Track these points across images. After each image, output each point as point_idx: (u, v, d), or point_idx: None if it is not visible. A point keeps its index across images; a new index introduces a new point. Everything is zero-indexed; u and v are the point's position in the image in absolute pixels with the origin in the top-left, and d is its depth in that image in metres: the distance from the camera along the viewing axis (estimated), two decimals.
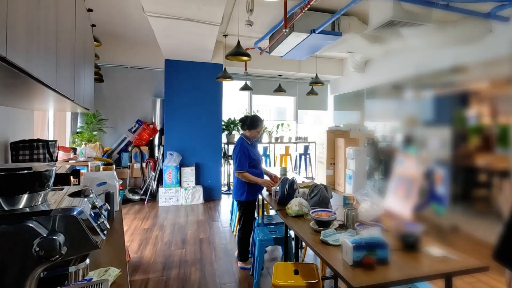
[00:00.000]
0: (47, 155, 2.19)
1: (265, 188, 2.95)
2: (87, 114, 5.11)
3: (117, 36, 5.13)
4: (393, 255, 1.43)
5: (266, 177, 2.99)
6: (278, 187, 2.51)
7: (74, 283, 0.78)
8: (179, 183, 5.25)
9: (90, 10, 3.31)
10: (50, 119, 4.07)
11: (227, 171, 6.44)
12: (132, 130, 5.74)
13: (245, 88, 5.56)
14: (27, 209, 0.70)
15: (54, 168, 0.79)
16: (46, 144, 2.20)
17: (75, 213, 0.71)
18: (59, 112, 4.31)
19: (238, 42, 3.23)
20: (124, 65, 5.64)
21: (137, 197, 5.32)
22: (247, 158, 2.80)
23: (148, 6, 3.07)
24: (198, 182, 5.45)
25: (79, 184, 2.20)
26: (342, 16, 3.77)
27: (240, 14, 3.75)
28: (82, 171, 2.45)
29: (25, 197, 0.71)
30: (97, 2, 3.70)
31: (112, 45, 5.26)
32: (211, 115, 5.60)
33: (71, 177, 2.09)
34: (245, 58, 3.28)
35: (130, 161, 5.48)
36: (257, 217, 3.08)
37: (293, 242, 2.70)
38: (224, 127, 6.09)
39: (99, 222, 0.78)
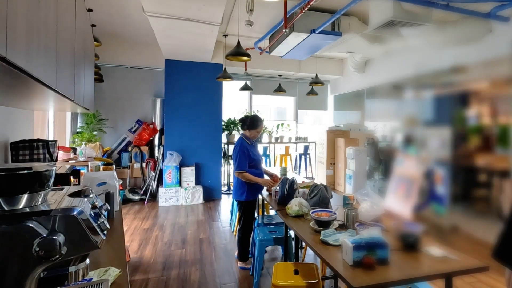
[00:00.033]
0: (47, 155, 2.19)
1: (265, 188, 2.95)
2: (87, 114, 5.11)
3: (117, 36, 5.13)
4: (393, 255, 1.43)
5: (266, 177, 2.99)
6: (278, 187, 2.51)
7: (74, 283, 0.78)
8: (179, 183, 5.25)
9: (90, 10, 3.31)
10: (50, 119, 4.07)
11: (227, 171, 6.44)
12: (132, 130, 5.74)
13: (245, 88, 5.56)
14: (27, 209, 0.70)
15: (54, 168, 0.79)
16: (46, 144, 2.20)
17: (75, 213, 0.71)
18: (59, 112, 4.31)
19: (238, 42, 3.23)
20: (124, 65, 5.64)
21: (137, 197, 5.32)
22: (247, 158, 2.80)
23: (148, 6, 3.07)
24: (198, 182, 5.45)
25: (79, 184, 2.20)
26: (342, 16, 3.77)
27: (240, 14, 3.75)
28: (82, 171, 2.45)
29: (25, 197, 0.71)
30: (97, 2, 3.71)
31: (112, 45, 5.26)
32: (211, 115, 5.60)
33: (71, 177, 2.09)
34: (245, 58, 3.28)
35: (130, 161, 5.48)
36: (257, 217, 3.08)
37: (293, 242, 2.70)
38: (224, 127, 6.09)
39: (99, 222, 0.78)
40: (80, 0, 1.76)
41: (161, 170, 5.33)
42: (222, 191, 5.84)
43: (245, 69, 5.60)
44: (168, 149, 5.34)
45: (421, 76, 3.94)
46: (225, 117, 6.01)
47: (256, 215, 3.08)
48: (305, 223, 1.99)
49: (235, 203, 3.41)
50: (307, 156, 6.92)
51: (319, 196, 2.22)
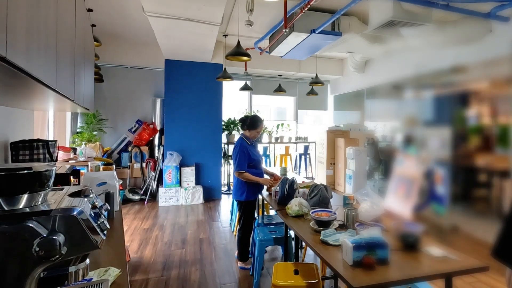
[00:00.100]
0: (47, 155, 2.19)
1: (265, 188, 2.95)
2: (87, 114, 5.11)
3: (117, 36, 5.13)
4: (393, 255, 1.43)
5: (266, 177, 2.99)
6: (278, 187, 2.51)
7: (74, 283, 0.78)
8: (179, 183, 5.25)
9: (90, 10, 3.31)
10: (50, 119, 4.07)
11: (227, 171, 6.44)
12: (132, 130, 5.74)
13: (245, 88, 5.56)
14: (27, 209, 0.70)
15: (54, 168, 0.79)
16: (46, 144, 2.20)
17: (75, 213, 0.71)
18: (59, 112, 4.31)
19: (238, 42, 3.23)
20: (124, 65, 5.65)
21: (137, 197, 5.32)
22: (247, 158, 2.80)
23: (148, 6, 3.07)
24: (198, 182, 5.45)
25: (79, 184, 2.20)
26: (342, 16, 3.77)
27: (240, 14, 3.75)
28: (82, 171, 2.45)
29: (25, 197, 0.71)
30: (97, 2, 3.71)
31: (112, 45, 5.26)
32: (211, 115, 5.60)
33: (71, 177, 2.09)
34: (245, 58, 3.28)
35: (130, 161, 5.48)
36: (257, 217, 3.08)
37: (293, 242, 2.70)
38: (224, 127, 6.09)
39: (99, 222, 0.78)
40: (80, 0, 1.76)
41: (161, 170, 5.33)
42: (222, 191, 5.84)
43: (245, 69, 5.60)
44: (168, 149, 5.34)
45: (421, 76, 3.94)
46: (225, 117, 6.01)
47: (256, 215, 3.08)
48: (305, 223, 1.99)
49: (235, 203, 3.41)
50: (307, 156, 6.92)
51: (319, 196, 2.22)
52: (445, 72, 3.60)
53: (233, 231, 3.85)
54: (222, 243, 3.53)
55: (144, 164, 5.51)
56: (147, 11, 3.17)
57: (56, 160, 2.44)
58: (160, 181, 5.44)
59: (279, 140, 6.78)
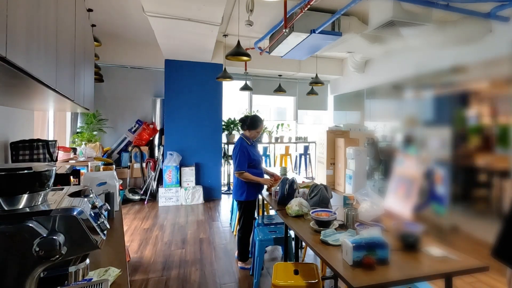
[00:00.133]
0: (47, 155, 2.19)
1: (265, 188, 2.95)
2: (87, 114, 5.11)
3: (117, 36, 5.13)
4: (393, 255, 1.43)
5: (266, 177, 2.99)
6: (278, 187, 2.51)
7: (74, 283, 0.78)
8: (179, 183, 5.25)
9: (90, 10, 3.31)
10: (50, 119, 4.07)
11: (227, 171, 6.44)
12: (132, 130, 5.74)
13: (245, 88, 5.56)
14: (27, 209, 0.70)
15: (54, 168, 0.79)
16: (46, 144, 2.20)
17: (75, 213, 0.71)
18: (59, 112, 4.31)
19: (238, 42, 3.23)
20: (124, 65, 5.65)
21: (137, 197, 5.32)
22: (247, 159, 2.80)
23: (148, 6, 3.07)
24: (198, 182, 5.45)
25: (79, 184, 2.20)
26: (342, 16, 3.77)
27: (240, 14, 3.75)
28: (82, 171, 2.45)
29: (25, 197, 0.71)
30: (97, 2, 3.71)
31: (112, 45, 5.26)
32: (211, 115, 5.60)
33: (71, 177, 2.09)
34: (245, 58, 3.28)
35: (130, 161, 5.48)
36: (257, 217, 3.08)
37: (293, 242, 2.70)
38: (224, 127, 6.09)
39: (99, 222, 0.78)
40: (80, 0, 1.76)
41: (161, 170, 5.33)
42: (222, 191, 5.84)
43: (245, 69, 5.60)
44: (168, 149, 5.34)
45: (421, 76, 3.94)
46: (225, 117, 6.01)
47: (256, 215, 3.08)
48: (305, 223, 1.99)
49: (235, 203, 3.41)
50: (307, 156, 6.92)
51: (319, 196, 2.22)
52: (445, 72, 3.60)
53: (233, 231, 3.85)
54: (222, 243, 3.53)
55: (144, 164, 5.52)
56: (147, 11, 3.17)
57: (56, 160, 2.45)
58: (160, 181, 5.44)
59: (279, 140, 6.78)
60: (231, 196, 5.19)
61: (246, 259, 2.89)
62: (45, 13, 0.98)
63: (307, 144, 7.00)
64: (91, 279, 1.08)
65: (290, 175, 3.19)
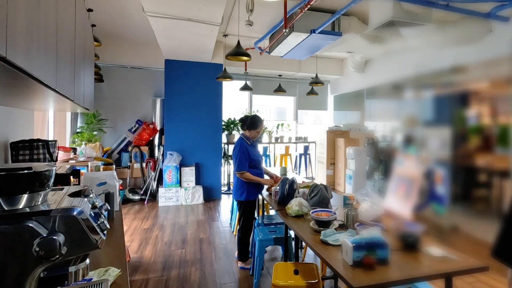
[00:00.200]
0: (47, 155, 2.19)
1: (265, 188, 2.95)
2: (87, 114, 5.11)
3: (117, 36, 5.13)
4: (393, 255, 1.43)
5: (266, 177, 2.99)
6: (278, 187, 2.51)
7: (74, 283, 0.78)
8: (179, 183, 5.25)
9: (90, 10, 3.31)
10: (50, 119, 4.07)
11: (227, 171, 6.44)
12: (132, 130, 5.74)
13: (245, 88, 5.56)
14: (27, 209, 0.70)
15: (54, 168, 0.79)
16: (46, 144, 2.20)
17: (75, 213, 0.71)
18: (59, 112, 4.31)
19: (238, 42, 3.23)
20: (124, 65, 5.65)
21: (137, 197, 5.32)
22: (247, 159, 2.81)
23: (148, 6, 3.07)
24: (198, 182, 5.45)
25: (79, 184, 2.20)
26: (342, 16, 3.77)
27: (240, 14, 3.75)
28: (82, 171, 2.45)
29: (25, 197, 0.71)
30: (97, 2, 3.71)
31: (112, 45, 5.26)
32: (211, 115, 5.60)
33: (71, 177, 2.09)
34: (245, 58, 3.28)
35: (130, 161, 5.48)
36: (257, 217, 3.09)
37: (293, 242, 2.70)
38: (224, 127, 6.09)
39: (99, 222, 0.78)
40: (80, 0, 1.76)
41: (161, 170, 5.33)
42: (222, 191, 5.84)
43: (245, 69, 5.60)
44: (168, 149, 5.34)
45: (421, 76, 3.94)
46: (225, 117, 6.01)
47: (256, 215, 3.08)
48: (305, 223, 1.99)
49: (235, 203, 3.41)
50: (307, 156, 6.92)
51: (319, 196, 2.22)
52: (445, 72, 3.60)
53: (233, 231, 3.85)
54: (222, 243, 3.53)
55: (144, 164, 5.52)
56: (147, 11, 3.17)
57: (56, 160, 2.44)
58: (160, 181, 5.44)
59: (279, 140, 6.78)
60: (231, 196, 5.19)
61: (246, 259, 2.89)
62: (45, 13, 0.98)
63: (307, 144, 7.00)
64: (91, 279, 1.08)
65: (290, 175, 3.19)
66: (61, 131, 4.62)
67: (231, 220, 4.10)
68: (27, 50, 0.80)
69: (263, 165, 3.17)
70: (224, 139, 6.10)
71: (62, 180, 1.95)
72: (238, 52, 3.19)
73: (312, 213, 1.94)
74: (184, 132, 5.44)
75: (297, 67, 6.45)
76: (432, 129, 3.39)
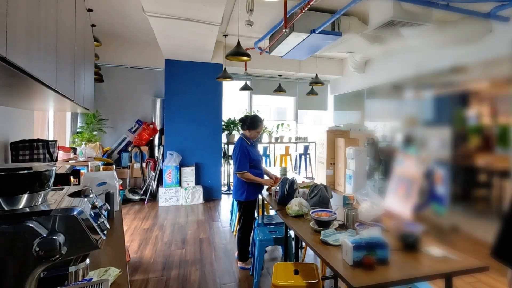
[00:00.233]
0: (47, 155, 2.19)
1: (265, 188, 2.95)
2: (87, 114, 5.11)
3: (117, 36, 5.13)
4: (393, 255, 1.43)
5: (266, 177, 3.00)
6: (278, 187, 2.51)
7: (74, 283, 0.78)
8: (179, 183, 5.25)
9: (90, 10, 3.31)
10: (50, 119, 4.07)
11: (227, 171, 6.44)
12: (132, 130, 5.74)
13: (245, 88, 5.56)
14: (27, 209, 0.70)
15: (54, 168, 0.79)
16: (46, 144, 2.20)
17: (75, 213, 0.71)
18: (59, 112, 4.31)
19: (238, 42, 3.23)
20: (124, 65, 5.65)
21: (137, 197, 5.32)
22: (248, 159, 2.81)
23: (148, 6, 3.07)
24: (198, 182, 5.45)
25: (79, 184, 2.20)
26: (342, 16, 3.77)
27: (240, 14, 3.75)
28: (82, 171, 2.45)
29: (25, 197, 0.71)
30: (97, 2, 3.70)
31: (112, 45, 5.26)
32: (211, 115, 5.60)
33: (71, 177, 2.09)
34: (245, 58, 3.28)
35: (130, 161, 5.48)
36: (257, 217, 3.09)
37: (293, 242, 2.70)
38: (224, 127, 6.09)
39: (99, 222, 0.78)
40: (80, 0, 1.76)
41: (161, 170, 5.33)
42: (222, 191, 5.84)
43: (245, 69, 5.60)
44: (168, 149, 5.34)
45: (421, 76, 3.94)
46: (225, 117, 6.01)
47: (256, 215, 3.08)
48: (305, 223, 1.99)
49: (235, 203, 3.41)
50: (307, 156, 6.92)
51: (319, 196, 2.22)
52: (445, 72, 3.60)
53: (233, 231, 3.85)
54: (222, 243, 3.53)
55: (144, 164, 5.51)
56: (147, 11, 3.17)
57: (56, 160, 2.44)
58: (160, 181, 5.44)
59: (279, 140, 6.78)
60: (231, 196, 5.19)
61: (246, 259, 2.89)
62: (45, 13, 0.98)
63: (307, 144, 7.00)
64: (91, 279, 1.08)
65: (290, 175, 3.19)
66: (61, 131, 4.62)
67: (231, 220, 4.10)
68: (27, 50, 0.80)
69: (263, 165, 3.17)
70: (224, 139, 6.10)
71: (62, 180, 1.95)
72: (238, 52, 3.19)
73: (312, 213, 1.94)
74: (184, 132, 5.43)
75: (297, 67, 6.45)
76: (432, 129, 3.38)
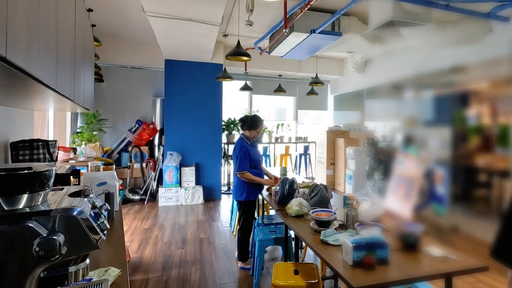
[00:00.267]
0: (47, 155, 2.19)
1: (265, 188, 2.95)
2: (87, 114, 5.11)
3: (117, 36, 5.13)
4: (393, 255, 1.43)
5: (266, 177, 3.00)
6: (278, 187, 2.51)
7: (74, 283, 0.78)
8: (179, 183, 5.25)
9: (90, 10, 3.31)
10: (50, 119, 4.07)
11: (227, 171, 6.44)
12: (132, 130, 5.74)
13: (245, 88, 5.56)
14: (27, 209, 0.70)
15: (54, 168, 0.79)
16: (46, 144, 2.20)
17: (75, 213, 0.71)
18: (59, 112, 4.31)
19: (238, 42, 3.23)
20: (124, 65, 5.65)
21: (137, 197, 5.32)
22: (248, 159, 2.81)
23: (148, 6, 3.07)
24: (198, 182, 5.45)
25: (79, 184, 2.20)
26: (342, 16, 3.77)
27: (240, 14, 3.75)
28: (82, 171, 2.45)
29: (25, 197, 0.71)
30: (97, 2, 3.70)
31: (112, 45, 5.26)
32: (211, 115, 5.60)
33: (71, 177, 2.09)
34: (245, 58, 3.28)
35: (130, 161, 5.48)
36: (257, 217, 3.09)
37: (293, 242, 2.70)
38: (224, 127, 6.09)
39: (99, 222, 0.78)
40: (80, 0, 1.76)
41: (161, 170, 5.33)
42: (222, 191, 5.84)
43: (245, 69, 5.60)
44: (168, 149, 5.34)
45: (421, 76, 3.94)
46: (225, 117, 6.01)
47: (256, 215, 3.08)
48: (305, 223, 1.99)
49: (235, 203, 3.41)
50: (307, 156, 6.92)
51: (319, 196, 2.22)
52: (445, 72, 3.60)
53: (233, 231, 3.85)
54: (222, 243, 3.53)
55: (144, 164, 5.52)
56: (147, 11, 3.17)
57: (56, 160, 2.45)
58: (160, 181, 5.44)
59: (279, 140, 6.78)
60: (231, 196, 5.19)
61: (246, 259, 2.89)
62: (45, 13, 0.98)
63: (307, 144, 7.00)
64: (91, 279, 1.08)
65: (290, 175, 3.19)
66: (61, 131, 4.63)
67: (231, 220, 4.10)
68: (27, 50, 0.80)
69: (263, 165, 3.17)
70: (224, 139, 6.10)
71: (62, 180, 1.95)
72: (238, 52, 3.19)
73: (312, 213, 1.94)
74: (184, 132, 5.44)
75: (297, 67, 6.45)
76: (432, 129, 3.39)
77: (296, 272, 1.83)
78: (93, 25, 3.47)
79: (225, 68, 4.65)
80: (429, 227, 1.88)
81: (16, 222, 0.66)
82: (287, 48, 4.38)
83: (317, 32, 3.73)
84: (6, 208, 0.69)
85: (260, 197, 3.05)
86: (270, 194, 2.81)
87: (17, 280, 0.66)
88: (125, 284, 1.11)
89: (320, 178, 6.66)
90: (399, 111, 4.06)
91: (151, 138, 5.70)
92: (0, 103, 1.75)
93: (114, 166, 3.55)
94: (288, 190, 2.40)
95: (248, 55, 3.28)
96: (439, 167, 3.32)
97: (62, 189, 0.91)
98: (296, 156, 6.95)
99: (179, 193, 5.21)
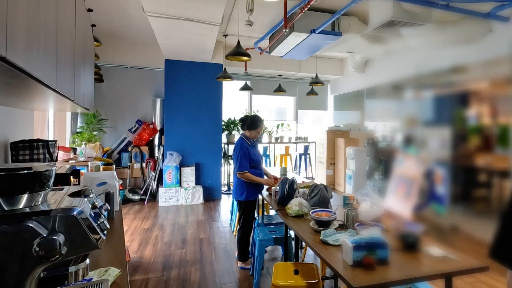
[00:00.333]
0: (47, 155, 2.19)
1: (265, 188, 2.95)
2: (87, 114, 5.11)
3: (117, 36, 5.13)
4: (393, 255, 1.43)
5: (266, 178, 3.00)
6: (278, 187, 2.51)
7: (74, 283, 0.78)
8: (179, 183, 5.25)
9: (90, 10, 3.31)
10: (50, 119, 4.07)
11: (227, 171, 6.44)
12: (132, 130, 5.74)
13: (245, 88, 5.56)
14: (27, 209, 0.70)
15: (54, 168, 0.79)
16: (46, 144, 2.20)
17: (75, 213, 0.71)
18: (59, 112, 4.31)
19: (238, 42, 3.23)
20: (124, 65, 5.65)
21: (137, 197, 5.32)
22: (248, 159, 2.81)
23: (148, 6, 3.07)
24: (198, 182, 5.45)
25: (79, 184, 2.20)
26: (342, 16, 3.77)
27: (240, 14, 3.75)
28: (82, 171, 2.45)
29: (25, 197, 0.71)
30: (97, 2, 3.71)
31: (112, 45, 5.26)
32: (211, 115, 5.60)
33: (71, 177, 2.09)
34: (245, 58, 3.28)
35: (130, 161, 5.48)
36: (257, 217, 3.09)
37: (293, 242, 2.70)
38: (224, 127, 6.09)
39: (99, 222, 0.78)
40: (80, 0, 1.76)
41: (161, 170, 5.33)
42: (222, 191, 5.84)
43: (245, 69, 5.60)
44: (168, 149, 5.34)
45: (421, 76, 3.94)
46: (225, 117, 6.01)
47: (256, 215, 3.08)
48: (305, 223, 1.99)
49: (235, 203, 3.41)
50: (307, 156, 6.92)
51: (319, 196, 2.22)
52: (445, 72, 3.60)
53: (233, 231, 3.85)
54: (222, 243, 3.53)
55: (144, 164, 5.51)
56: (147, 11, 3.17)
57: (56, 160, 2.45)
58: (160, 181, 5.44)
59: (279, 140, 6.78)
60: (231, 196, 5.19)
61: (246, 259, 2.89)
62: (45, 13, 0.98)
63: (307, 144, 7.00)
64: (91, 279, 1.08)
65: (290, 175, 3.19)
66: (61, 131, 4.63)
67: (231, 220, 4.10)
68: (27, 50, 0.80)
69: (263, 165, 3.17)
70: (224, 139, 6.10)
71: (62, 180, 1.95)
72: (238, 52, 3.19)
73: (312, 213, 1.94)
74: (184, 132, 5.44)
75: (297, 67, 6.45)
76: (432, 129, 3.39)
77: (296, 272, 1.83)
78: (93, 25, 3.47)
79: (225, 68, 4.65)
80: (429, 227, 1.88)
81: (16, 222, 0.66)
82: (287, 48, 4.38)
83: (317, 32, 3.73)
84: (6, 208, 0.69)
85: (260, 197, 3.05)
86: (270, 194, 2.81)
87: (17, 280, 0.66)
88: (125, 284, 1.11)
89: (320, 178, 6.66)
90: (399, 111, 4.06)
91: (151, 138, 5.70)
92: (0, 103, 1.75)
93: (114, 166, 3.55)
94: (288, 190, 2.40)
95: (248, 55, 3.28)
96: (439, 167, 3.32)
97: (62, 189, 0.91)
98: (296, 156, 6.95)
99: (179, 193, 5.21)
